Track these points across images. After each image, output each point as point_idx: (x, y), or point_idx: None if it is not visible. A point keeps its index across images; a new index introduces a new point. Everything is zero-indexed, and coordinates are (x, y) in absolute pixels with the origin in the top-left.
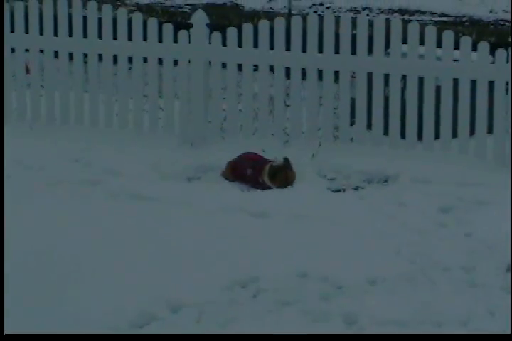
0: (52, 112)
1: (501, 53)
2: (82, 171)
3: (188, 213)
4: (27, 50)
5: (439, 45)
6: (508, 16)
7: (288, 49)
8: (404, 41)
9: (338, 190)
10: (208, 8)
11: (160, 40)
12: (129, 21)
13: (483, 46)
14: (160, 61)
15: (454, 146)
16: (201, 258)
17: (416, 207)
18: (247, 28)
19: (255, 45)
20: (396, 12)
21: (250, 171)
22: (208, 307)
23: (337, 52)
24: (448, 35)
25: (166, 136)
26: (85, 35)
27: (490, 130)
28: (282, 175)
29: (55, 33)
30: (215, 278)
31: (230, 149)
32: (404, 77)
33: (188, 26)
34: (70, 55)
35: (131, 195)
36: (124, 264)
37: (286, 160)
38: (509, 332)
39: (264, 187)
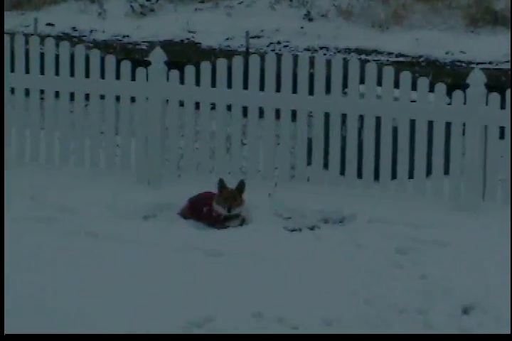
0: (8, 149)
1: (458, 95)
2: (38, 209)
3: (143, 251)
4: None
5: (396, 86)
6: (463, 57)
7: (246, 88)
8: (362, 81)
9: (294, 230)
10: (165, 46)
11: (118, 78)
12: (87, 58)
13: (440, 87)
14: (117, 98)
15: (410, 187)
16: (156, 298)
17: (372, 247)
18: (205, 66)
19: (213, 84)
20: (353, 52)
21: (206, 209)
22: None
23: (295, 91)
24: (405, 76)
25: (122, 174)
26: (42, 72)
27: (446, 171)
28: (228, 195)
29: (12, 70)
30: (170, 318)
31: (187, 187)
32: (361, 117)
33: (146, 63)
34: (27, 92)
35: (87, 233)
36: (73, 303)
37: (240, 182)
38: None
39: (220, 225)
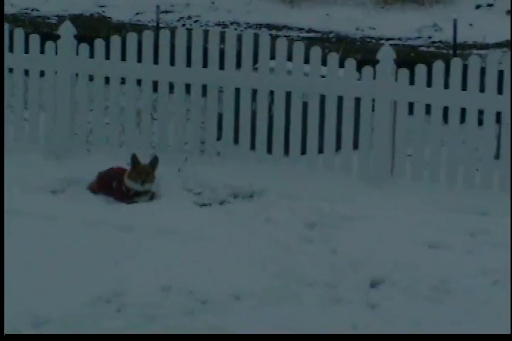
0: None
1: (368, 70)
2: None
3: (50, 226)
4: None
5: (306, 61)
6: (373, 33)
7: (156, 62)
8: (273, 57)
9: (204, 205)
10: (75, 19)
11: (26, 51)
12: None
13: (350, 63)
14: (26, 72)
15: (320, 162)
16: (65, 272)
17: (281, 222)
18: (115, 40)
19: (123, 58)
20: (264, 27)
21: (115, 183)
22: (72, 321)
23: (205, 66)
24: (315, 52)
25: (30, 148)
26: None
27: (356, 146)
28: (142, 171)
29: None
30: (79, 293)
31: (96, 162)
32: (272, 93)
33: (55, 37)
34: None
35: None
36: None
37: (153, 158)
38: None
39: (129, 200)
